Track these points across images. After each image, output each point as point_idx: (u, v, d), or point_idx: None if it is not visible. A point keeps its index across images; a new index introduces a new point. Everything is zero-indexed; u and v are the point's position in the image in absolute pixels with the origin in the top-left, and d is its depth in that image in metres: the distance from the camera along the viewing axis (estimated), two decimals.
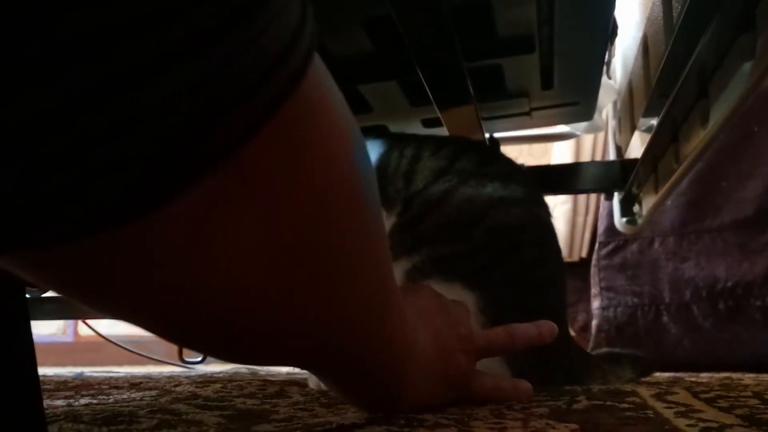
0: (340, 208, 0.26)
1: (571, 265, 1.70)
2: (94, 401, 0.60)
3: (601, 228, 1.39)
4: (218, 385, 0.79)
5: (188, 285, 0.23)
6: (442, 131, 0.90)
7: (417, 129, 1.02)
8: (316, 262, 0.26)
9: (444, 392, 0.46)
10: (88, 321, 1.75)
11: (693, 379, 0.81)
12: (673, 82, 0.68)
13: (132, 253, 0.21)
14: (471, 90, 0.76)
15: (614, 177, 1.10)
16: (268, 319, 0.27)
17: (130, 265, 0.22)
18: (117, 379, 1.03)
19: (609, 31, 0.77)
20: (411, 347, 0.39)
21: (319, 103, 0.24)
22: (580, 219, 1.73)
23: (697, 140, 0.66)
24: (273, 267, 0.24)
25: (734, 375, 0.93)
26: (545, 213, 0.76)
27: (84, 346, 2.61)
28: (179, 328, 0.27)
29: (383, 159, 0.78)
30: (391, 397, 0.41)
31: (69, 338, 2.69)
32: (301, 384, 0.80)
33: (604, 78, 0.98)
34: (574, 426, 0.37)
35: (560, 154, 1.79)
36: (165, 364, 1.83)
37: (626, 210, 1.12)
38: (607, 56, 0.98)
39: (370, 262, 0.30)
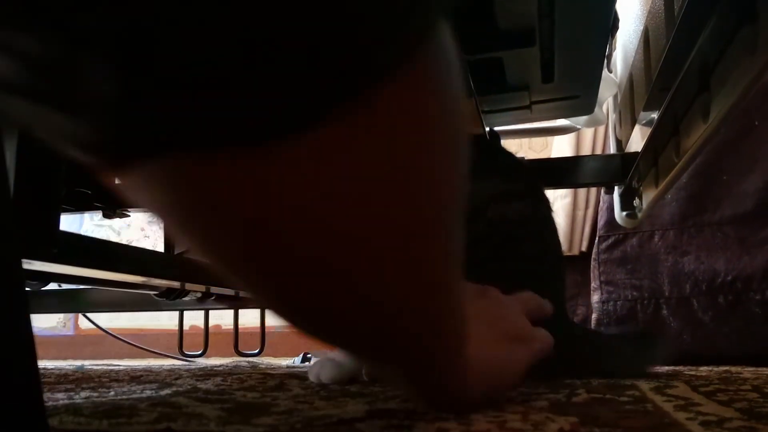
0: (447, 154, 0.25)
1: (571, 258, 1.70)
2: (95, 394, 0.60)
3: (601, 222, 1.39)
4: (218, 378, 0.79)
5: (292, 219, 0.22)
6: None
7: None
8: (415, 214, 0.25)
9: (508, 378, 0.44)
10: (89, 314, 1.75)
11: (692, 373, 0.81)
12: (674, 75, 0.68)
13: (268, 174, 0.20)
14: (471, 83, 0.76)
15: (614, 171, 1.10)
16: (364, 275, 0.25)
17: (266, 188, 0.20)
18: (117, 372, 1.04)
19: (610, 24, 0.77)
20: (462, 330, 0.36)
21: (449, 47, 0.23)
22: (580, 213, 1.73)
23: (697, 134, 0.66)
24: (376, 202, 0.23)
25: (733, 368, 0.93)
26: (546, 207, 0.76)
27: (84, 339, 2.62)
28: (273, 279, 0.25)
29: None
30: (454, 384, 0.38)
31: (69, 331, 2.70)
32: (301, 377, 0.80)
33: (605, 71, 0.97)
34: (574, 419, 0.37)
35: (560, 147, 1.79)
36: (165, 357, 1.83)
37: (626, 204, 1.12)
38: (607, 49, 0.98)
39: (452, 240, 0.28)
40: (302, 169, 0.20)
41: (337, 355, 0.73)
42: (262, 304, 0.27)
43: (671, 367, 0.97)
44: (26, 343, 0.29)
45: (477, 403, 0.40)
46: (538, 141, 2.18)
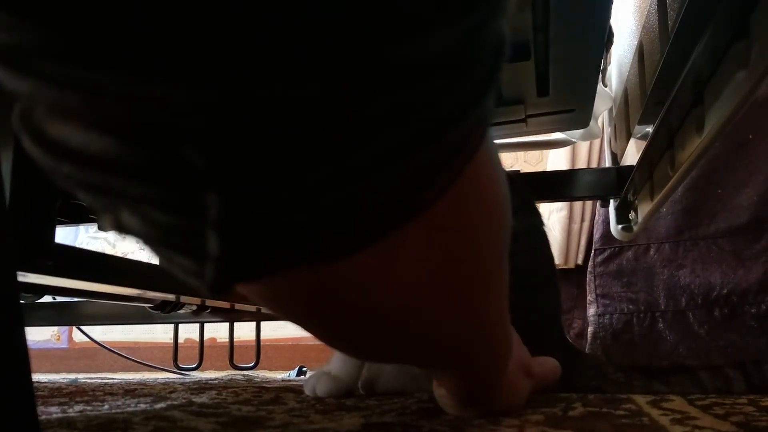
0: (494, 245, 0.32)
1: (567, 271, 1.70)
2: (89, 408, 0.60)
3: (596, 235, 1.39)
4: (213, 392, 0.79)
5: (374, 303, 0.27)
6: None
7: None
8: (468, 285, 0.31)
9: (516, 402, 0.48)
10: (83, 327, 1.74)
11: None
12: (669, 89, 0.69)
13: (349, 277, 0.25)
14: None
15: (610, 184, 1.10)
16: (429, 330, 0.31)
17: (347, 288, 0.25)
18: (112, 385, 1.03)
19: (605, 38, 0.77)
20: (509, 355, 0.43)
21: (491, 154, 0.28)
22: (575, 226, 1.73)
23: (692, 148, 0.67)
24: (438, 287, 0.28)
25: None
26: (538, 221, 0.77)
27: (78, 352, 2.61)
28: (355, 341, 0.31)
29: None
30: (488, 397, 0.44)
31: (63, 344, 2.69)
32: (296, 391, 0.79)
33: (600, 85, 0.98)
34: None
35: (556, 161, 1.79)
36: (160, 371, 1.82)
37: (622, 217, 1.13)
38: (602, 64, 0.98)
39: (501, 287, 0.36)
40: (406, 254, 0.25)
41: (332, 368, 0.73)
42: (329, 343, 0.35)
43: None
44: (20, 356, 0.29)
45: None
46: (533, 154, 2.18)
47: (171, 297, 1.10)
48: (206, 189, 0.19)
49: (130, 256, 0.90)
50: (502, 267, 0.33)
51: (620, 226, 1.13)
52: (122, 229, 0.23)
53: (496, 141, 1.16)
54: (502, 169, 0.30)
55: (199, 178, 0.19)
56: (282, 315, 0.29)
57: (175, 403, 0.64)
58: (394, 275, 0.26)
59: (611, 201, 1.17)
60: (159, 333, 2.39)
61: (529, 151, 2.06)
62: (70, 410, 0.58)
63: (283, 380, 1.23)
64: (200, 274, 0.22)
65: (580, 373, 0.69)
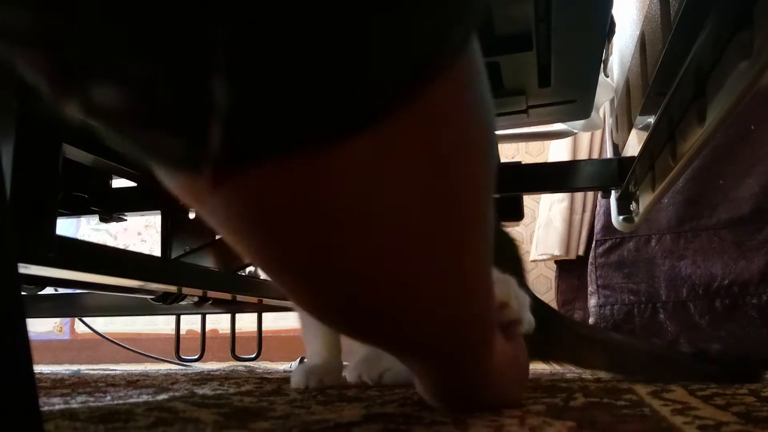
0: (477, 181, 0.28)
1: (568, 262, 1.70)
2: (91, 399, 0.60)
3: (598, 226, 1.39)
4: (215, 383, 0.79)
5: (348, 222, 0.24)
6: None
7: None
8: (452, 221, 0.28)
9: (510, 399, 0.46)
10: (85, 319, 1.74)
11: None
12: (670, 80, 0.68)
13: (326, 182, 0.23)
14: None
15: (611, 175, 1.10)
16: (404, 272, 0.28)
17: (320, 195, 0.23)
18: (114, 376, 1.03)
19: (606, 28, 0.77)
20: (490, 348, 0.40)
21: (478, 76, 0.26)
22: (577, 217, 1.73)
23: (693, 138, 0.67)
24: (424, 199, 0.26)
25: None
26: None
27: (81, 343, 2.61)
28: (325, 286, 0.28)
29: None
30: (467, 390, 0.41)
31: (66, 336, 2.69)
32: None
33: (602, 76, 0.98)
34: (571, 423, 0.37)
35: (557, 151, 1.79)
36: (162, 362, 1.82)
37: (623, 208, 1.12)
38: (604, 54, 0.98)
39: (484, 223, 0.31)
40: (379, 157, 0.23)
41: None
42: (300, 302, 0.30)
43: None
44: (22, 348, 0.29)
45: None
46: (534, 145, 2.18)
47: (173, 288, 1.10)
48: (216, 19, 0.17)
49: (131, 248, 0.90)
50: (486, 220, 0.30)
51: (621, 217, 1.13)
52: (94, 109, 0.20)
53: (499, 132, 1.15)
54: (490, 107, 0.28)
55: (206, 5, 0.17)
56: (256, 251, 0.26)
57: (177, 394, 0.65)
58: (381, 184, 0.24)
59: (612, 192, 1.17)
60: (161, 324, 2.39)
61: (530, 142, 2.06)
62: (73, 402, 0.58)
63: (284, 371, 1.23)
64: (196, 150, 0.20)
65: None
